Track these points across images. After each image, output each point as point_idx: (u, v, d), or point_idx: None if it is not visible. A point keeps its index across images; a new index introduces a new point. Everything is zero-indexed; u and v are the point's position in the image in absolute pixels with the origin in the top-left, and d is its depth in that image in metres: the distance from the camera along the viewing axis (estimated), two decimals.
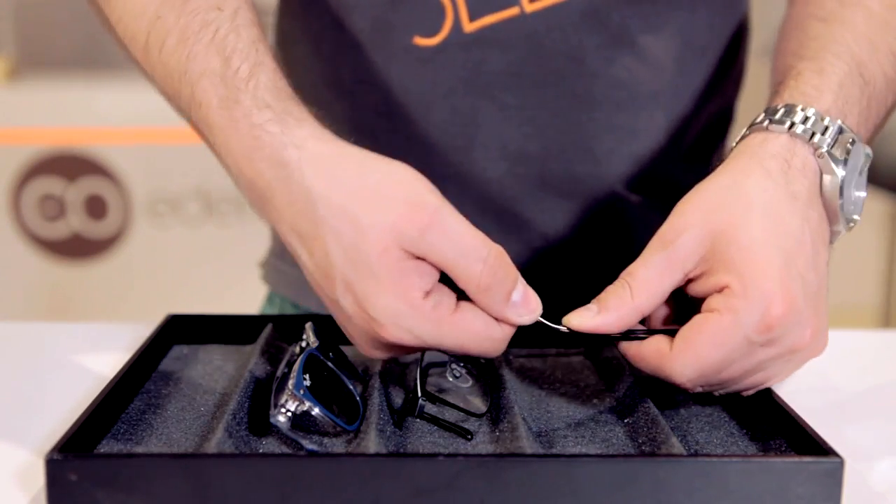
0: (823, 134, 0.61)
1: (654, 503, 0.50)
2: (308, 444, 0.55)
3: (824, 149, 0.60)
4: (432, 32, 0.77)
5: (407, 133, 0.80)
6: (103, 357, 0.74)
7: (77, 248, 2.48)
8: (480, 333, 0.55)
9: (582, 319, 0.58)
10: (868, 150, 0.63)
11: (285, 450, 0.56)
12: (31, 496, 0.54)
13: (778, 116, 0.61)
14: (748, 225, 0.57)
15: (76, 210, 2.45)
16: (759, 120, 0.62)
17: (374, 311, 0.53)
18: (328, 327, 0.69)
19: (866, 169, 0.63)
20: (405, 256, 0.53)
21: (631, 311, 0.57)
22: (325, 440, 0.56)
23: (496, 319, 0.56)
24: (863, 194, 0.62)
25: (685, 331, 0.57)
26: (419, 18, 0.77)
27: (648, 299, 0.58)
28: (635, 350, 0.59)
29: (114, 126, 2.45)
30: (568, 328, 0.58)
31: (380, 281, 0.53)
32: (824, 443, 0.52)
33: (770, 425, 0.59)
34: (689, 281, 0.58)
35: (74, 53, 2.74)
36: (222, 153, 0.61)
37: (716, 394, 0.61)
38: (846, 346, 0.82)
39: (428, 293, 0.54)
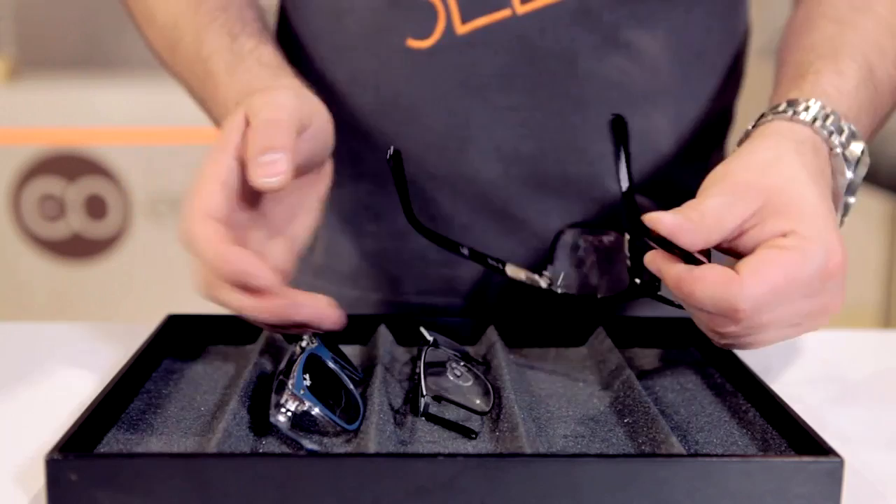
0: (840, 135, 0.62)
1: (654, 503, 0.50)
2: (308, 444, 0.55)
3: (838, 150, 0.62)
4: (425, 35, 0.77)
5: (401, 135, 0.80)
6: (103, 357, 0.74)
7: (77, 248, 2.48)
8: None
9: (663, 219, 0.56)
10: (867, 157, 0.64)
11: (285, 450, 0.56)
12: (31, 496, 0.54)
13: (800, 109, 0.62)
14: (803, 186, 0.57)
15: (76, 210, 2.46)
16: (781, 109, 0.63)
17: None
18: None
19: (862, 177, 0.64)
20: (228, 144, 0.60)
21: (704, 233, 0.56)
22: (325, 440, 0.56)
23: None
24: (853, 200, 0.64)
25: (752, 263, 0.55)
26: (412, 21, 0.77)
27: (719, 229, 0.56)
28: (698, 273, 0.55)
29: (114, 126, 2.45)
30: (645, 225, 0.56)
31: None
32: (824, 443, 0.52)
33: (770, 425, 0.59)
34: (740, 234, 0.57)
35: (74, 53, 2.74)
36: (220, 110, 0.69)
37: (730, 344, 0.58)
38: (846, 346, 0.82)
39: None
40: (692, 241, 0.56)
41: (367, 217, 0.85)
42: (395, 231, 0.84)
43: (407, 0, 0.77)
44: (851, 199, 0.64)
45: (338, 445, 0.56)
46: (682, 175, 0.82)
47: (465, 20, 0.77)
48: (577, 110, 0.78)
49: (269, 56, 0.70)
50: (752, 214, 0.57)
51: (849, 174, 0.62)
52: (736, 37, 0.85)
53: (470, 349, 0.72)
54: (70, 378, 0.71)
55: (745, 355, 0.67)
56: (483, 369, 0.67)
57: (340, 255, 0.86)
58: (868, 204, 2.85)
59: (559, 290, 0.69)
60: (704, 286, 0.55)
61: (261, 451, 0.55)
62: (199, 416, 0.60)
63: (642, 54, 0.78)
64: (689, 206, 0.57)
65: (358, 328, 0.73)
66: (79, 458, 0.50)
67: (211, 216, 0.57)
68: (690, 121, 0.82)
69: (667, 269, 0.57)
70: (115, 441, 0.56)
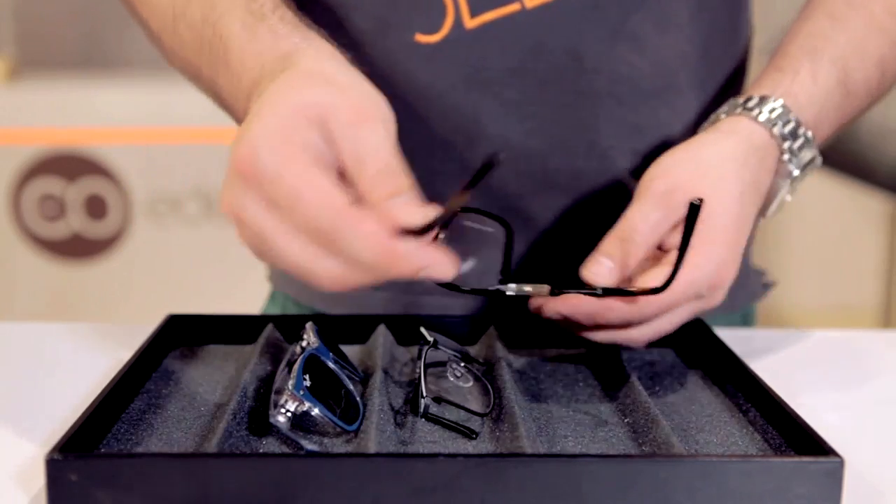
0: (795, 141, 0.70)
1: (654, 503, 0.50)
2: (308, 444, 0.55)
3: (786, 156, 0.70)
4: (434, 29, 0.77)
5: (409, 130, 0.80)
6: (103, 357, 0.74)
7: (77, 248, 2.48)
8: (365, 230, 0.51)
9: (603, 277, 0.65)
10: (819, 160, 0.72)
11: (285, 450, 0.56)
12: (31, 496, 0.54)
13: (766, 109, 0.70)
14: (725, 205, 0.66)
15: (76, 210, 2.45)
16: (751, 104, 0.71)
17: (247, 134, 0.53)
18: (329, 327, 0.70)
19: (809, 170, 0.72)
20: (311, 126, 0.53)
21: (633, 260, 0.66)
22: (325, 440, 0.56)
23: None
24: (790, 198, 0.73)
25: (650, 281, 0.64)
26: (420, 15, 0.77)
27: (647, 251, 0.66)
28: (594, 279, 0.65)
29: (114, 126, 2.44)
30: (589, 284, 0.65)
31: (269, 123, 0.53)
32: (824, 443, 0.52)
33: (770, 425, 0.59)
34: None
35: (74, 53, 2.74)
36: (233, 72, 0.62)
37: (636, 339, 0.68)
38: (846, 346, 0.82)
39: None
40: (624, 278, 0.66)
41: None
42: None
43: None
44: (788, 197, 0.72)
45: (338, 446, 0.56)
46: None
47: (474, 14, 0.77)
48: (585, 105, 0.79)
49: (291, 16, 0.64)
50: (673, 224, 0.66)
51: (794, 174, 0.71)
52: (740, 34, 0.85)
53: (470, 349, 0.72)
54: (70, 378, 0.71)
55: (745, 355, 0.67)
56: (483, 370, 0.67)
57: None
58: (868, 204, 2.85)
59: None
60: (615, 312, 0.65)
61: (261, 451, 0.55)
62: (199, 416, 0.60)
63: (650, 49, 0.79)
64: (623, 233, 0.66)
65: (358, 328, 0.73)
66: (79, 458, 0.50)
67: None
68: (697, 115, 0.82)
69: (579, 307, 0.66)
70: (115, 441, 0.56)
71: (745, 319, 0.92)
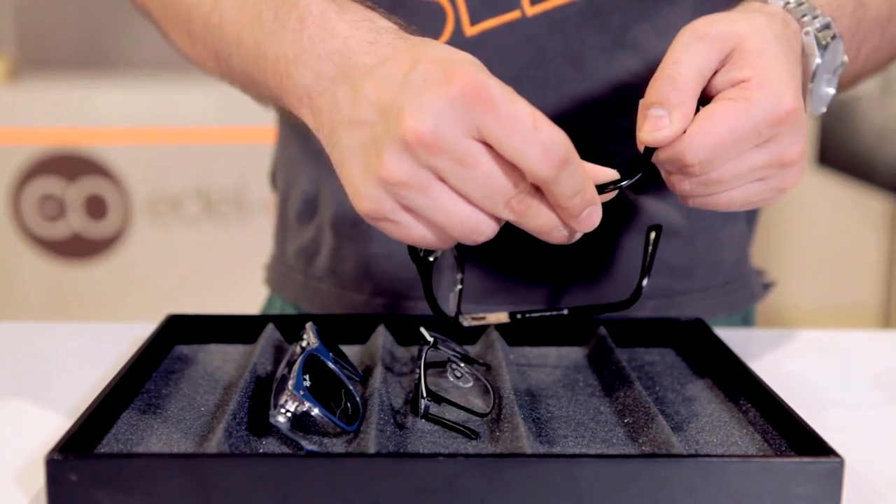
0: (814, 19, 0.64)
1: (654, 503, 0.50)
2: (308, 445, 0.55)
3: (810, 29, 0.63)
4: (433, 36, 0.77)
5: None
6: (103, 357, 0.74)
7: (77, 248, 2.48)
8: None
9: (664, 131, 0.58)
10: (846, 57, 0.66)
11: (285, 450, 0.56)
12: (31, 496, 0.54)
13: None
14: (766, 41, 0.60)
15: (76, 210, 2.45)
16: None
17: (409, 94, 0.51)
18: (329, 327, 0.70)
19: (839, 71, 0.66)
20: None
21: (690, 101, 0.59)
22: (325, 440, 0.56)
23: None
24: (832, 91, 0.66)
25: (699, 118, 0.58)
26: (420, 22, 0.77)
27: (698, 85, 0.59)
28: (654, 137, 0.58)
29: (114, 126, 2.44)
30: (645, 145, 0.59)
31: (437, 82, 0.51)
32: (824, 443, 0.52)
33: (770, 425, 0.59)
34: (710, 81, 0.60)
35: (74, 53, 2.74)
36: (313, 36, 0.59)
37: (699, 203, 0.61)
38: (846, 346, 0.82)
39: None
40: (685, 121, 0.58)
41: None
42: None
43: (414, 1, 0.77)
44: (831, 91, 0.66)
45: (338, 446, 0.56)
46: None
47: (473, 21, 0.77)
48: (585, 112, 0.78)
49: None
50: (721, 60, 0.60)
51: (818, 57, 0.64)
52: None
53: (470, 349, 0.72)
54: (70, 378, 0.71)
55: (745, 355, 0.67)
56: (483, 370, 0.67)
57: (345, 258, 0.85)
58: (868, 204, 2.85)
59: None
60: (663, 149, 0.59)
61: (261, 451, 0.55)
62: (199, 416, 0.60)
63: (651, 56, 0.79)
64: (667, 71, 0.60)
65: (358, 328, 0.73)
66: (79, 458, 0.50)
67: None
68: None
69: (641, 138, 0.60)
70: (115, 441, 0.56)
71: (746, 319, 0.92)
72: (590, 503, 0.49)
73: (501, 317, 0.66)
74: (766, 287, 0.93)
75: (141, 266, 2.49)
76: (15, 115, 2.46)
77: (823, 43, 0.64)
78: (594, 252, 0.82)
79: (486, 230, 0.54)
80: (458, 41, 0.77)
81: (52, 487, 0.49)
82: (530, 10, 0.76)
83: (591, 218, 0.54)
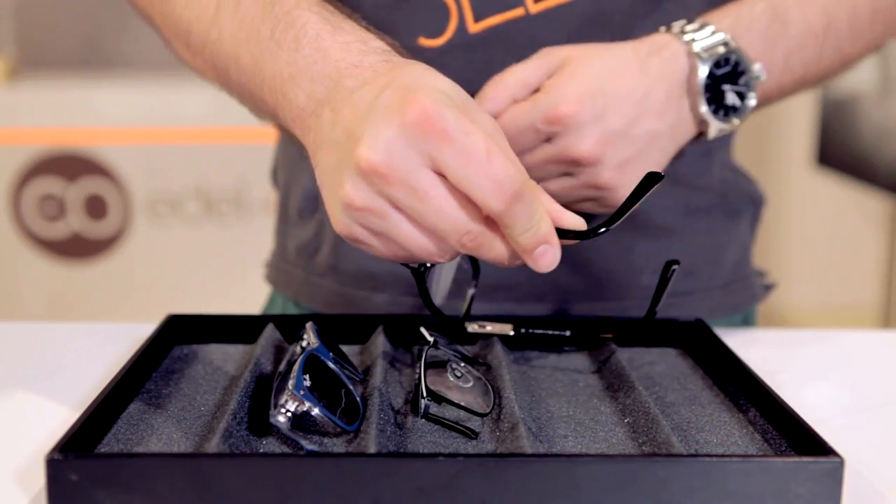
0: (702, 39, 0.70)
1: (654, 503, 0.50)
2: (308, 445, 0.55)
3: (695, 48, 0.70)
4: (437, 33, 0.77)
5: None
6: (103, 357, 0.74)
7: (77, 248, 2.48)
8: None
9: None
10: (758, 67, 0.71)
11: (285, 450, 0.56)
12: (31, 496, 0.54)
13: (676, 26, 0.72)
14: (587, 56, 0.68)
15: (76, 210, 2.46)
16: (690, 28, 0.72)
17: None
18: (329, 327, 0.70)
19: (755, 83, 0.71)
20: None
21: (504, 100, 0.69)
22: (325, 440, 0.56)
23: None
24: (751, 102, 0.71)
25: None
26: (423, 19, 0.77)
27: (517, 93, 0.69)
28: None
29: (114, 126, 2.45)
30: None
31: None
32: (824, 443, 0.52)
33: (770, 425, 0.59)
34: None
35: (74, 53, 2.74)
36: (307, 57, 0.60)
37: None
38: (846, 346, 0.82)
39: None
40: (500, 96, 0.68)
41: None
42: None
43: None
44: (751, 102, 0.71)
45: (338, 446, 0.56)
46: (688, 170, 0.82)
47: (477, 19, 0.77)
48: None
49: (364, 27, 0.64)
50: (547, 74, 0.69)
51: (700, 71, 0.69)
52: None
53: (470, 349, 0.72)
54: (70, 378, 0.71)
55: (745, 355, 0.67)
56: (483, 370, 0.67)
57: (346, 255, 0.86)
58: (868, 204, 2.85)
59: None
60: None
61: (261, 451, 0.55)
62: (199, 416, 0.60)
63: None
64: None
65: (358, 328, 0.73)
66: (79, 458, 0.50)
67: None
68: None
69: None
70: (115, 441, 0.56)
71: (746, 320, 0.92)
72: (589, 503, 0.49)
73: (505, 328, 0.66)
74: (768, 288, 0.93)
75: (141, 266, 2.49)
76: (15, 115, 2.46)
77: (705, 57, 0.70)
78: (597, 250, 0.82)
79: (445, 255, 0.56)
80: (462, 38, 0.77)
81: (53, 487, 0.49)
82: (534, 8, 0.76)
83: (545, 257, 0.55)
